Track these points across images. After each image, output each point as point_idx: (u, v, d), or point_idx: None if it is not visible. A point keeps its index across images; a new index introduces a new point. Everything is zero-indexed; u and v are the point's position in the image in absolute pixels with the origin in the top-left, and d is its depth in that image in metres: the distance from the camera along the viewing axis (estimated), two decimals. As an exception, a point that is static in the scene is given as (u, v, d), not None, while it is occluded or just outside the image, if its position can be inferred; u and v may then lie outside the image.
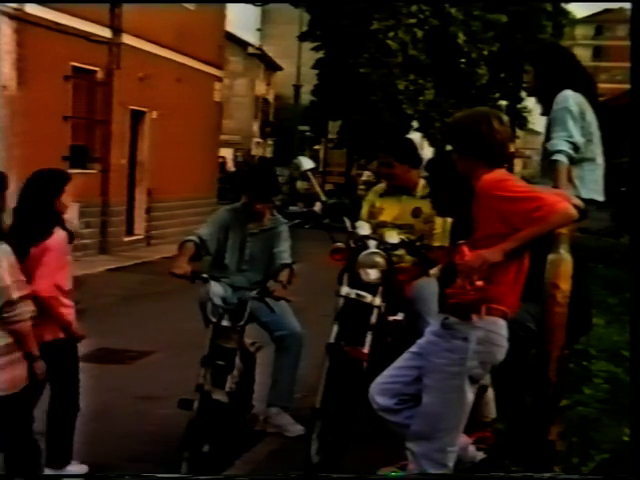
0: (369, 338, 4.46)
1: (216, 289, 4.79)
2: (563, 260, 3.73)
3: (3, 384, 3.94)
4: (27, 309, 3.97)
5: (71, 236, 4.48)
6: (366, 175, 49.78)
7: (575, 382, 4.87)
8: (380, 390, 3.77)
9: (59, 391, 4.46)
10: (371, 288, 4.54)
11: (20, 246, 4.10)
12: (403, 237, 4.75)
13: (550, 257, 3.73)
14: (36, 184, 4.41)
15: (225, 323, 4.65)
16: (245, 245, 5.29)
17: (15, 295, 3.90)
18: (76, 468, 4.55)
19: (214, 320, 4.67)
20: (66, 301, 4.39)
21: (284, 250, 5.24)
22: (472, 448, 3.93)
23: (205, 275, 4.86)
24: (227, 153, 37.77)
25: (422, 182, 5.15)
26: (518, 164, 54.52)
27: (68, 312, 4.41)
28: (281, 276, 5.06)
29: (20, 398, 3.99)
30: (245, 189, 5.36)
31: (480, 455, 3.94)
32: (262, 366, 5.33)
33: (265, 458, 4.86)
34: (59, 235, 4.34)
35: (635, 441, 3.53)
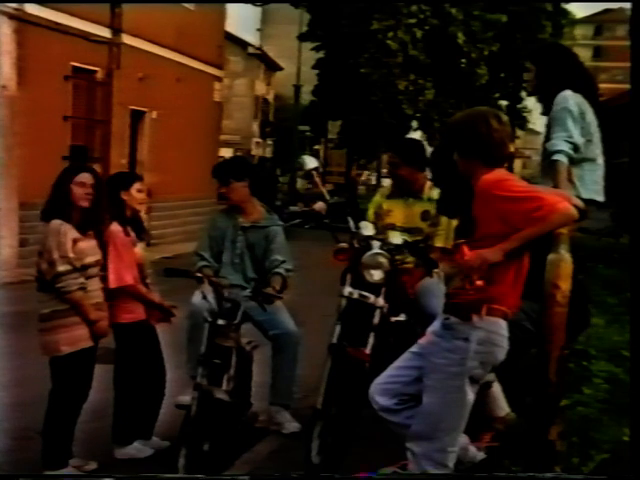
0: (372, 339, 4.44)
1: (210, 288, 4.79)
2: (563, 260, 3.72)
3: (54, 345, 4.41)
4: (73, 282, 4.36)
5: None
6: (365, 175, 49.71)
7: (575, 382, 4.87)
8: (380, 390, 3.76)
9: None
10: (374, 289, 4.52)
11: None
12: (407, 238, 4.73)
13: (550, 257, 3.73)
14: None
15: (221, 322, 4.66)
16: (237, 239, 5.35)
17: (60, 268, 4.31)
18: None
19: (209, 319, 4.67)
20: None
21: (279, 259, 5.28)
22: (472, 448, 3.93)
23: (199, 274, 4.88)
24: (227, 153, 37.69)
25: (428, 184, 5.13)
26: (518, 164, 54.50)
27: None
28: (274, 282, 5.13)
29: (66, 361, 4.41)
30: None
31: (480, 455, 3.94)
32: (261, 365, 5.33)
33: (265, 458, 4.86)
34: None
35: (635, 441, 3.53)
